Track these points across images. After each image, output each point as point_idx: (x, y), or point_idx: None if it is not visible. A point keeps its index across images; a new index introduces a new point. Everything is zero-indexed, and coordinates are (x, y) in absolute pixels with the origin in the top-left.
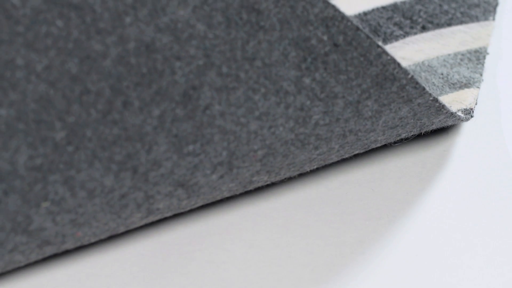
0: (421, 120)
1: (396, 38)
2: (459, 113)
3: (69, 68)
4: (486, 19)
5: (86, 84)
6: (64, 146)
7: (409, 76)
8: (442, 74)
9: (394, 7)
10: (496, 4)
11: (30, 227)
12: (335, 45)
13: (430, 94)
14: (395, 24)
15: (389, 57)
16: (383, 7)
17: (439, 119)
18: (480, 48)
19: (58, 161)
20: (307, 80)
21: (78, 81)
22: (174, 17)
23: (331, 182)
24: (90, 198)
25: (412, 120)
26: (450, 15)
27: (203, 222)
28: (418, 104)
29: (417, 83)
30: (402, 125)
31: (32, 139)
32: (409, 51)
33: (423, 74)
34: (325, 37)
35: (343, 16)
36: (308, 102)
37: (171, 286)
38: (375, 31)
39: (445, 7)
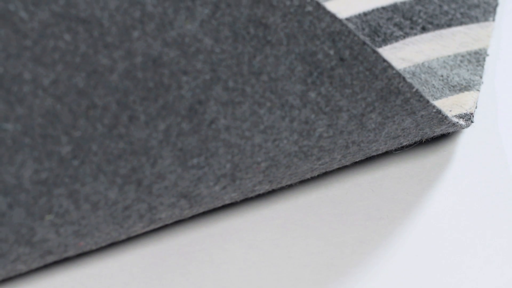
0: (423, 130)
1: (396, 38)
2: (461, 121)
3: (76, 83)
4: (486, 20)
5: (92, 99)
6: (70, 160)
7: (414, 89)
8: (442, 76)
9: (394, 8)
10: (496, 5)
11: (33, 238)
12: (341, 59)
13: (433, 106)
14: (395, 24)
15: (394, 71)
16: (383, 8)
17: (441, 128)
18: (480, 50)
19: (64, 175)
20: (312, 94)
21: (85, 95)
22: (182, 31)
23: (331, 182)
24: (94, 210)
25: (414, 130)
26: (450, 16)
27: (203, 223)
28: (421, 116)
29: (421, 96)
30: (404, 135)
31: (38, 153)
32: (409, 52)
33: (423, 75)
34: (331, 52)
35: (350, 31)
36: (312, 116)
37: (171, 286)
38: (375, 32)
39: (445, 7)
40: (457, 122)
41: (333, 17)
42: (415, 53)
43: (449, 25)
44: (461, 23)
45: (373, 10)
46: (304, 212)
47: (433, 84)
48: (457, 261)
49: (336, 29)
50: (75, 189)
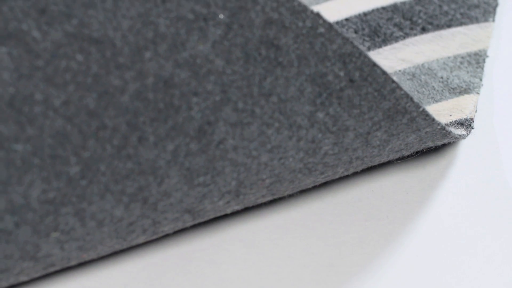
0: (426, 143)
1: (396, 39)
2: (462, 131)
3: (87, 103)
4: (486, 20)
5: (103, 120)
6: (78, 180)
7: (421, 109)
8: (442, 77)
9: (394, 8)
10: (496, 5)
11: (38, 254)
12: (351, 80)
13: (438, 123)
14: (395, 25)
15: (402, 92)
16: (383, 8)
17: (443, 141)
18: (480, 51)
19: (71, 194)
20: (320, 115)
21: (95, 116)
22: (194, 52)
23: (331, 183)
24: (99, 227)
25: (417, 144)
26: (450, 16)
27: (203, 223)
28: (426, 132)
29: (427, 114)
30: (407, 149)
31: (46, 173)
32: (409, 53)
33: (423, 77)
34: (341, 73)
35: (360, 52)
36: (319, 135)
37: (171, 286)
38: (375, 32)
39: (445, 8)
40: (460, 135)
41: (344, 38)
42: (415, 54)
43: (449, 25)
44: (461, 24)
45: (373, 10)
46: (304, 212)
47: (433, 86)
48: (457, 262)
49: (347, 50)
50: (82, 208)
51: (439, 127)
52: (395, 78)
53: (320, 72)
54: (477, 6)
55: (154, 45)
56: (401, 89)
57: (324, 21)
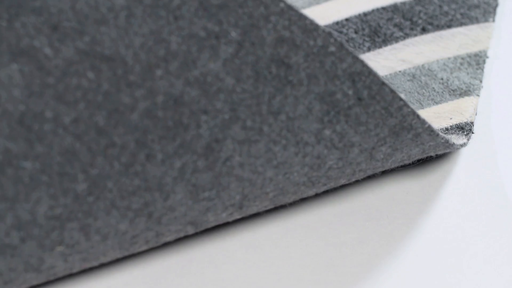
0: (428, 154)
1: (396, 39)
2: (464, 140)
3: (97, 121)
4: (486, 20)
5: (112, 137)
6: (85, 196)
7: (426, 125)
8: (442, 79)
9: (394, 8)
10: (496, 5)
11: (41, 267)
12: (359, 99)
13: (442, 137)
14: (395, 25)
15: (409, 109)
16: (383, 8)
17: (445, 151)
18: (480, 52)
19: (77, 210)
20: (327, 132)
21: (104, 134)
22: (204, 70)
23: None
24: (103, 241)
25: (419, 155)
26: (450, 17)
27: None
28: (429, 146)
29: (432, 130)
30: (409, 159)
31: (54, 190)
32: (409, 54)
33: (423, 78)
34: (350, 92)
35: (370, 71)
36: (325, 151)
37: (172, 286)
38: (375, 32)
39: (445, 8)
40: (461, 145)
41: (354, 57)
42: (415, 54)
43: (449, 26)
44: (461, 24)
45: (373, 10)
46: (304, 213)
47: (433, 88)
48: (457, 262)
49: (357, 69)
50: (88, 223)
51: (442, 140)
52: (395, 79)
53: (329, 90)
54: (477, 6)
55: (165, 63)
56: (408, 106)
57: (335, 40)
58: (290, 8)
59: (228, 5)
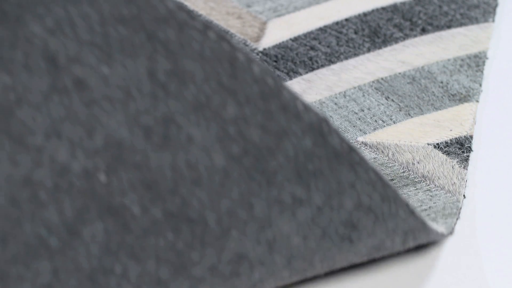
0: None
1: (396, 40)
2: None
3: (160, 275)
4: (485, 20)
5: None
6: None
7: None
8: (441, 82)
9: (394, 8)
10: (496, 5)
11: None
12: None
13: (443, 235)
14: (395, 25)
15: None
16: (383, 8)
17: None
18: (480, 53)
19: None
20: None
21: (164, 286)
22: (277, 232)
23: None
24: None
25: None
26: (450, 17)
27: None
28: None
29: (437, 233)
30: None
31: None
32: (409, 55)
33: (423, 81)
34: (399, 242)
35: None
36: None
37: None
38: (375, 33)
39: (445, 8)
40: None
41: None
42: (415, 55)
43: (449, 26)
44: (460, 24)
45: (373, 11)
46: None
47: (433, 92)
48: (457, 262)
49: (412, 225)
50: None
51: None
52: (395, 82)
53: (384, 245)
54: (477, 7)
55: (244, 226)
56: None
57: (410, 206)
58: (379, 177)
59: (323, 172)
